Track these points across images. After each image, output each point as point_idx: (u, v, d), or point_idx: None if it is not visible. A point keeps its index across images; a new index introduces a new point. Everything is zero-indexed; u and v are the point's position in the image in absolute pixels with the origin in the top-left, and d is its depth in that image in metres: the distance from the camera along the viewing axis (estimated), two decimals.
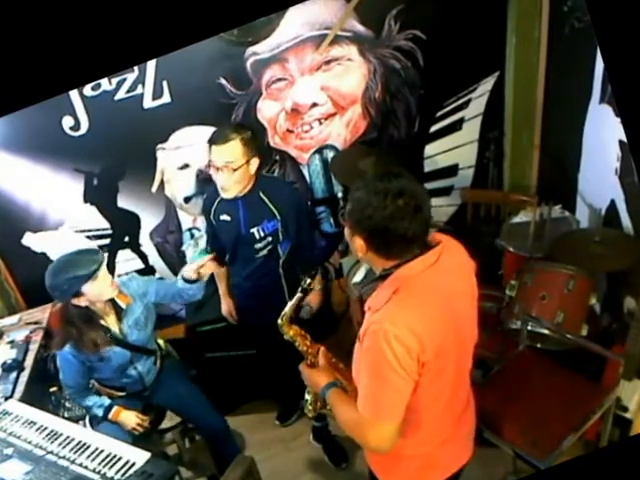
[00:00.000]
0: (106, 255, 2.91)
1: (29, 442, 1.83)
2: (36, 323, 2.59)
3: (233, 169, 1.98)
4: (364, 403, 1.26)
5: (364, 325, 1.27)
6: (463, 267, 1.33)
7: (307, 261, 2.22)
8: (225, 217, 2.15)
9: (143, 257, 2.98)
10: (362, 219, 1.20)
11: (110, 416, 2.07)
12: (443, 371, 1.27)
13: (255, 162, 2.03)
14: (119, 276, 2.93)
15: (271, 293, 2.23)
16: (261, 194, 2.10)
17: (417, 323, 1.19)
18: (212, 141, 1.99)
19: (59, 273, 1.88)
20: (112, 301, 2.01)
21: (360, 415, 1.26)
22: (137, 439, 2.04)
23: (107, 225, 2.86)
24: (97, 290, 1.91)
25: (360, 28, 2.70)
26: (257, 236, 2.13)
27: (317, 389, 1.43)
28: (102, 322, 2.02)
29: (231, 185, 2.04)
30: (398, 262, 1.24)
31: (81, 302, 1.92)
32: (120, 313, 2.04)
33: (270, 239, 2.15)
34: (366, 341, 1.23)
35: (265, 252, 2.17)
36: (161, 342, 2.31)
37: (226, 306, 2.41)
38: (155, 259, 3.00)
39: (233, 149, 1.96)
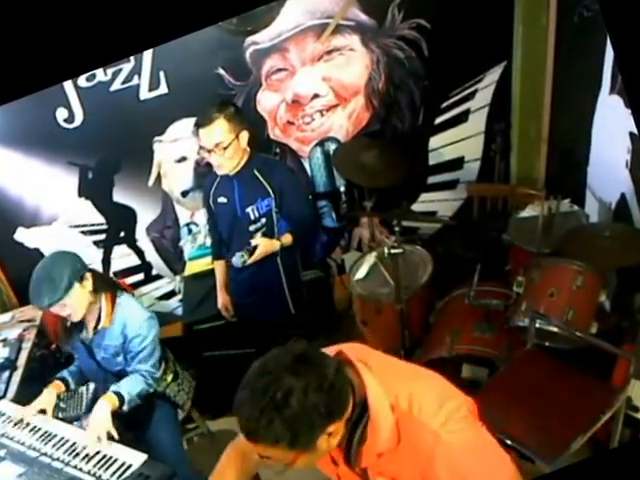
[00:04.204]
0: (101, 251, 2.89)
1: (22, 443, 1.82)
2: (29, 321, 2.55)
3: (224, 147, 2.01)
4: None
5: (393, 469, 1.08)
6: (364, 346, 1.22)
7: (307, 252, 2.19)
8: (222, 199, 2.18)
9: (139, 253, 2.96)
10: (313, 411, 0.98)
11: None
12: None
13: (245, 135, 2.05)
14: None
15: (269, 288, 2.21)
16: (255, 171, 2.12)
17: (441, 398, 1.09)
18: (198, 125, 2.02)
19: (30, 283, 1.82)
20: (99, 310, 1.93)
21: None
22: (134, 440, 1.99)
23: (102, 220, 2.84)
24: (62, 311, 1.85)
25: (363, 17, 2.66)
26: (252, 216, 2.14)
27: None
28: (83, 321, 1.95)
29: (225, 162, 2.06)
30: (352, 401, 1.07)
31: None
32: (97, 327, 1.96)
33: (264, 220, 2.15)
34: (431, 467, 1.04)
35: (259, 235, 2.16)
36: (167, 379, 2.14)
37: (222, 300, 2.39)
38: (152, 255, 2.97)
39: (219, 128, 1.98)
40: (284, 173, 2.22)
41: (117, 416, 1.87)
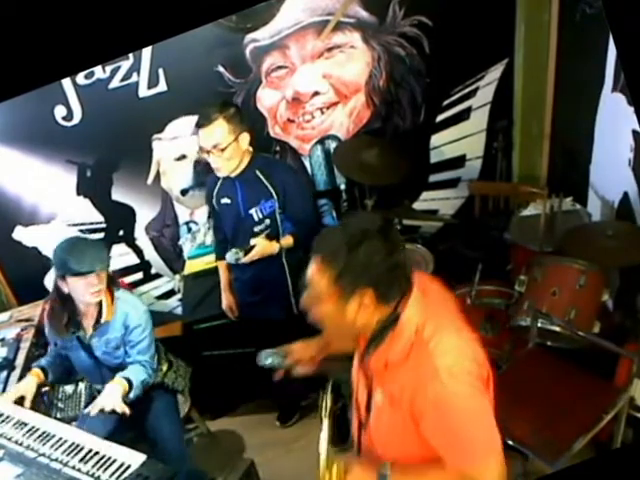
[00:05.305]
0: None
1: (20, 444, 1.80)
2: (27, 320, 2.53)
3: (221, 149, 1.99)
4: (460, 452, 1.12)
5: (392, 384, 1.16)
6: (441, 288, 1.27)
7: (307, 251, 2.16)
8: (225, 200, 2.17)
9: (138, 252, 2.94)
10: (369, 268, 1.10)
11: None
12: (492, 391, 1.21)
13: (245, 137, 2.03)
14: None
15: (274, 287, 2.19)
16: (257, 172, 2.10)
17: (461, 350, 1.13)
18: (198, 125, 2.00)
19: (61, 249, 1.86)
20: (99, 305, 1.94)
21: (457, 469, 1.12)
22: (132, 441, 1.98)
23: (101, 219, 2.82)
24: (77, 289, 1.87)
25: (364, 14, 2.64)
26: (256, 218, 2.13)
27: None
28: (78, 319, 1.97)
29: (223, 163, 2.04)
30: (396, 304, 1.15)
31: (63, 287, 1.89)
32: (98, 322, 1.97)
33: (268, 222, 2.14)
34: (422, 397, 1.11)
35: (263, 237, 2.14)
36: (163, 368, 2.16)
37: (226, 301, 2.38)
38: (151, 254, 2.96)
39: (219, 129, 1.97)
40: (286, 173, 2.20)
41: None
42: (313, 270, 1.14)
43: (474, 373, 1.12)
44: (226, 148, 1.98)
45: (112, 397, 1.85)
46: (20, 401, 1.94)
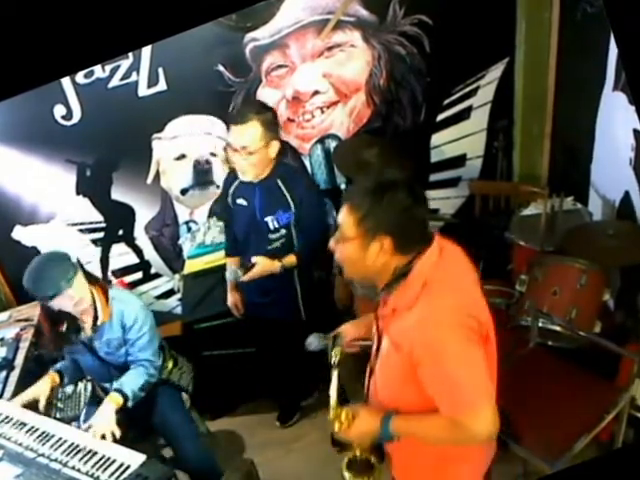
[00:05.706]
0: (99, 250, 2.86)
1: (19, 444, 1.80)
2: (26, 320, 2.53)
3: (249, 152, 1.93)
4: (453, 400, 1.19)
5: (396, 329, 1.24)
6: (460, 253, 1.34)
7: (320, 259, 2.14)
8: (242, 201, 2.12)
9: (138, 251, 2.93)
10: (391, 216, 1.18)
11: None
12: (490, 349, 1.26)
13: (275, 145, 1.98)
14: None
15: (282, 290, 2.17)
16: (279, 182, 2.05)
17: (462, 305, 1.19)
18: (231, 120, 1.96)
19: (27, 280, 1.83)
20: (94, 307, 1.93)
21: (450, 416, 1.20)
22: (132, 441, 1.98)
23: (100, 218, 2.81)
24: (60, 306, 1.86)
25: (364, 13, 2.64)
26: (271, 226, 2.09)
27: (374, 435, 1.29)
28: (77, 323, 1.96)
29: (247, 168, 1.99)
30: (413, 256, 1.22)
31: (50, 306, 1.88)
32: (96, 322, 1.96)
33: (284, 232, 2.10)
34: (420, 343, 1.18)
35: (278, 245, 2.12)
36: (169, 366, 2.17)
37: (232, 298, 2.34)
38: (150, 253, 2.95)
39: (252, 130, 1.91)
40: (307, 189, 2.13)
41: (122, 411, 1.89)
42: (343, 213, 1.22)
43: (473, 327, 1.18)
44: (254, 153, 1.92)
45: (105, 420, 1.83)
46: (34, 403, 1.94)
